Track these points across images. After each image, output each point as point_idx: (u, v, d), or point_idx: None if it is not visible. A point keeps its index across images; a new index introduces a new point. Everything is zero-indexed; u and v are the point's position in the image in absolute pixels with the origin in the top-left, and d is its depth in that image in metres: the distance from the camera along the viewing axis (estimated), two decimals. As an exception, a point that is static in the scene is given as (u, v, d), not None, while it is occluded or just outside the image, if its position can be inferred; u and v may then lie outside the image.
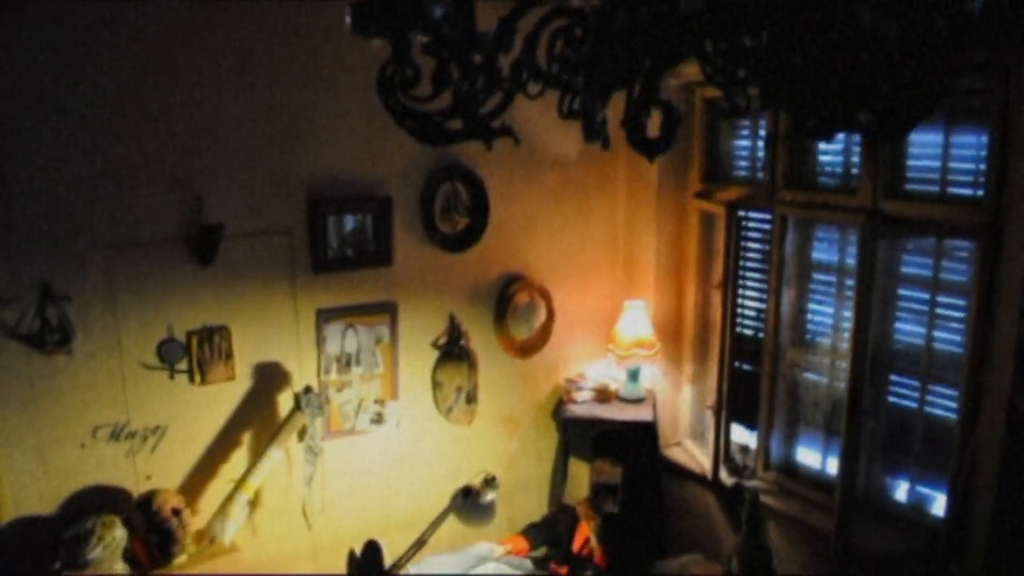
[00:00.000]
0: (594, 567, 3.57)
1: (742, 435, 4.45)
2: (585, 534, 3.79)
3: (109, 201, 3.49)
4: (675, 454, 4.72)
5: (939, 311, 3.59)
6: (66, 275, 3.46)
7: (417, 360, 4.30)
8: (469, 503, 3.27)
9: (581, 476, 3.67)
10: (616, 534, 3.53)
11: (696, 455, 4.63)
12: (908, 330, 3.72)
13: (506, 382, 4.57)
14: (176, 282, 3.67)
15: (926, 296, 3.64)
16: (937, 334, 3.60)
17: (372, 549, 3.30)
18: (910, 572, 3.53)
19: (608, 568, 3.52)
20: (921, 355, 3.66)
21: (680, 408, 4.81)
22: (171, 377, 3.71)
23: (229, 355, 3.81)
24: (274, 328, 3.91)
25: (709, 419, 4.70)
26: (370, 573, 3.26)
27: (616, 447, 3.65)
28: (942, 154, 3.48)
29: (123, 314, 3.59)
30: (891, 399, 3.81)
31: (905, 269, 3.71)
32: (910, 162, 3.58)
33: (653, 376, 4.75)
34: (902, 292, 3.72)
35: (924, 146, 3.55)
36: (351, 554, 3.35)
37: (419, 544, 3.24)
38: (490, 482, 3.27)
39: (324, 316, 3.99)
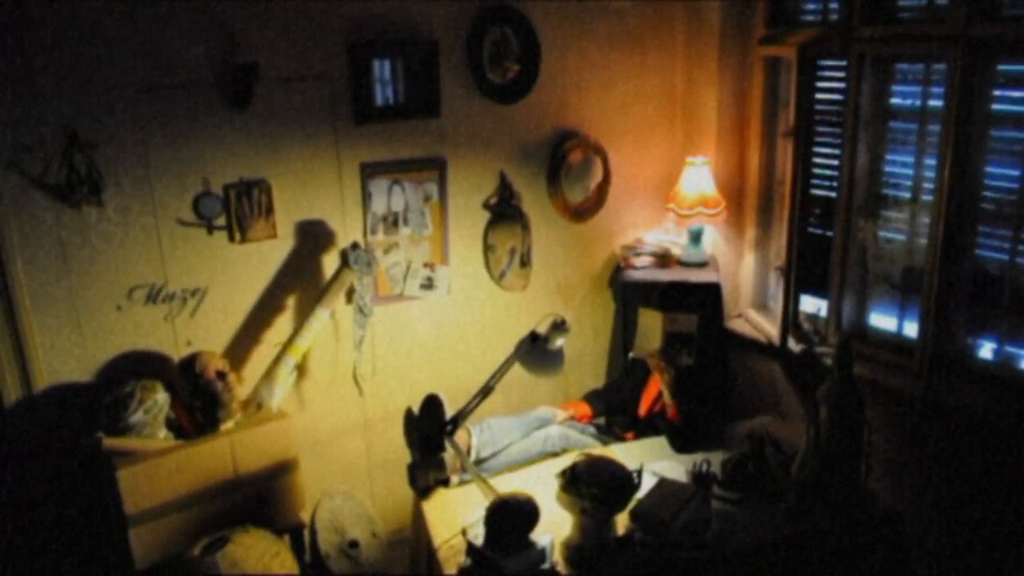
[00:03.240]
0: (667, 423, 3.34)
1: (810, 303, 4.18)
2: (652, 397, 3.57)
3: (136, 38, 3.21)
4: (737, 325, 4.47)
5: (1037, 151, 3.29)
6: (92, 120, 3.21)
7: (467, 222, 4.04)
8: (536, 350, 3.03)
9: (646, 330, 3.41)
10: (690, 389, 3.29)
11: (760, 324, 4.38)
12: (999, 174, 3.41)
13: (560, 247, 4.31)
14: (211, 130, 3.41)
15: (1021, 136, 3.33)
16: (1034, 176, 3.30)
17: (432, 402, 3.09)
18: (1000, 429, 3.30)
19: (682, 424, 3.29)
20: (1014, 201, 3.36)
21: (741, 278, 4.54)
22: (209, 233, 3.48)
23: (270, 211, 3.56)
24: (316, 183, 3.66)
25: (773, 287, 4.44)
26: (427, 427, 3.05)
27: (686, 300, 3.38)
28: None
29: (155, 164, 3.35)
30: (979, 252, 3.52)
31: (996, 106, 3.39)
32: (1008, -19, 3.25)
33: (714, 243, 4.48)
34: (993, 133, 3.41)
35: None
36: (408, 411, 3.14)
37: (484, 391, 3.02)
38: (559, 326, 3.01)
39: (368, 171, 3.72)
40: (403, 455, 3.29)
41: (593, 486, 2.67)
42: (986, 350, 3.57)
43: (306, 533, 3.64)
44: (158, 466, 3.16)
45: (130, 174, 3.31)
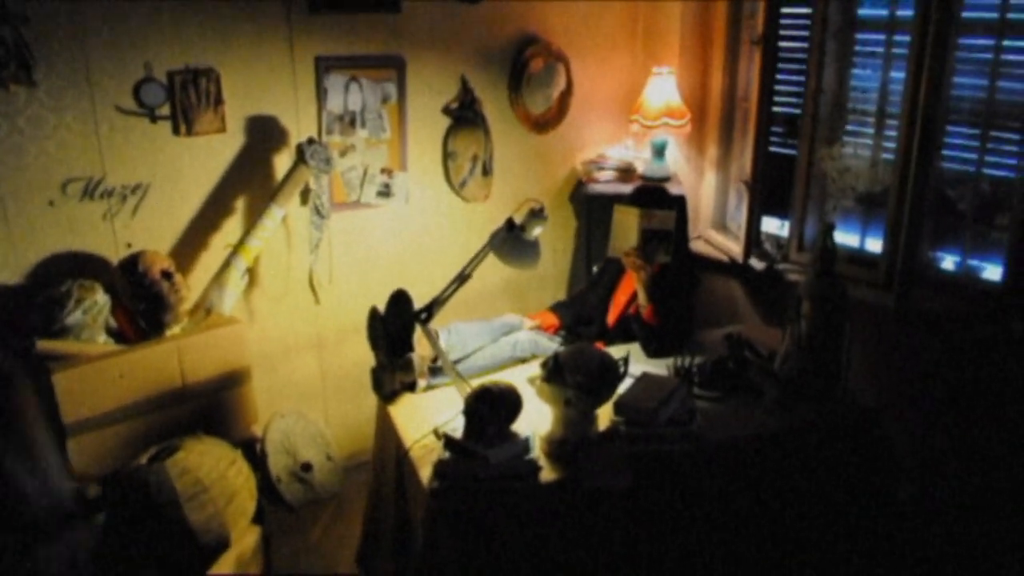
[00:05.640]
0: (641, 325, 3.22)
1: (771, 225, 4.13)
2: (621, 305, 3.44)
3: None
4: (698, 247, 4.39)
5: (1004, 58, 3.24)
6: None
7: (427, 127, 3.84)
8: (512, 239, 2.87)
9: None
10: (667, 287, 3.17)
11: (721, 244, 4.30)
12: (967, 83, 3.39)
13: (521, 160, 4.15)
14: (154, 11, 3.13)
15: (990, 43, 3.30)
16: (1002, 84, 3.26)
17: (400, 299, 2.90)
18: (968, 333, 3.30)
19: (659, 326, 3.18)
20: (981, 111, 3.33)
21: (702, 198, 4.46)
22: (152, 122, 3.20)
23: (218, 102, 3.31)
24: (268, 74, 3.41)
25: (734, 207, 4.38)
26: (394, 326, 2.86)
27: (659, 200, 3.25)
28: None
29: (92, 44, 3.06)
30: (944, 165, 3.50)
31: (967, 14, 3.36)
32: None
33: (675, 162, 4.38)
34: (962, 42, 3.38)
35: None
36: (373, 310, 2.94)
37: (461, 279, 2.85)
38: (537, 213, 2.86)
39: (324, 65, 3.49)
40: (359, 375, 3.12)
41: (578, 374, 2.53)
42: (948, 262, 3.57)
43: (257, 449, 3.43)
44: (99, 371, 2.91)
45: (63, 53, 3.01)
